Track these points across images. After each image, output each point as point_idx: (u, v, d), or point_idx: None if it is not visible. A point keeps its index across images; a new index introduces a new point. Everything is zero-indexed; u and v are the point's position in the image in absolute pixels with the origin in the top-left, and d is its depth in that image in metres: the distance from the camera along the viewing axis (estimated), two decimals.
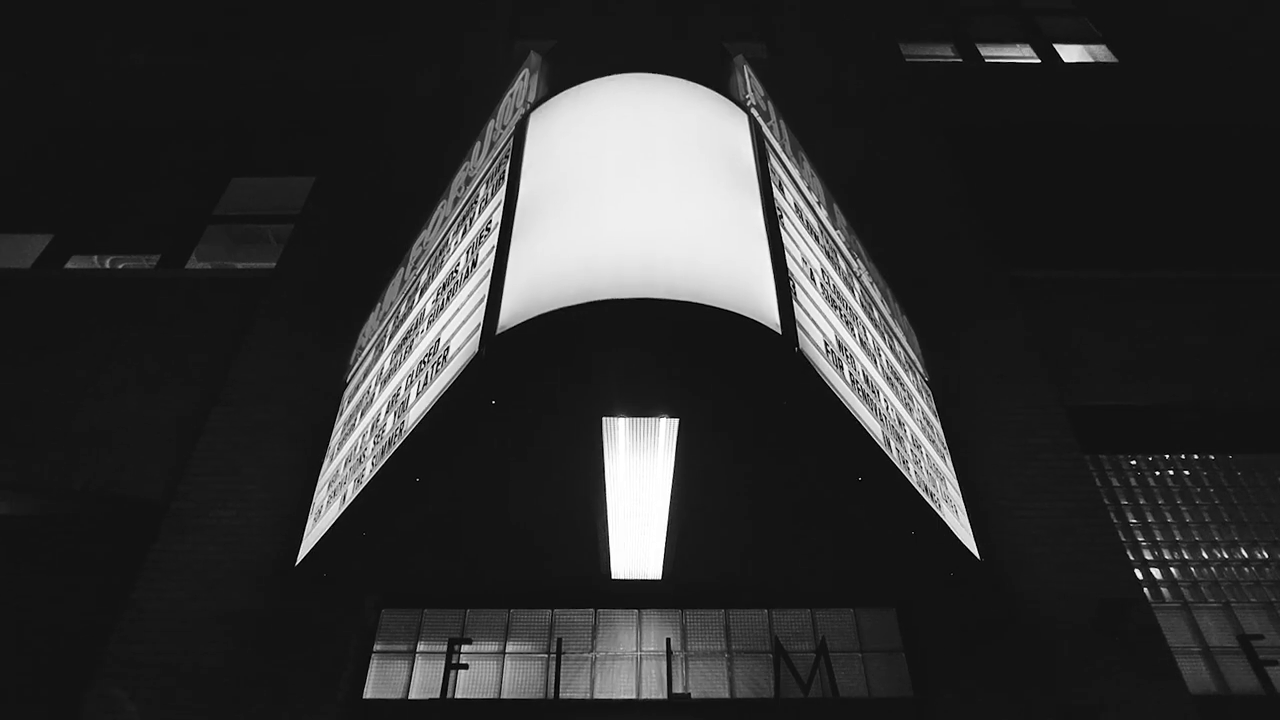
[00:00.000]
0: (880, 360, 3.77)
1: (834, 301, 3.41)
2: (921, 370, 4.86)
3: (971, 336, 5.48)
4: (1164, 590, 4.70)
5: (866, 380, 3.33)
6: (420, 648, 4.35)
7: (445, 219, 4.23)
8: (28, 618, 4.39)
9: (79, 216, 6.72)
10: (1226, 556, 4.85)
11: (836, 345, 3.11)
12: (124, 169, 7.17)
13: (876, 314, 4.23)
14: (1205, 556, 4.85)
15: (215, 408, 4.99)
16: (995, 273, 5.92)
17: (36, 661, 4.22)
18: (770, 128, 3.98)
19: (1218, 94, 7.75)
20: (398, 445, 3.00)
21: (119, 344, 5.47)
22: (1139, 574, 4.69)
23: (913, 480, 3.30)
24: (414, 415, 2.96)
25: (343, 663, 4.02)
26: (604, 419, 2.87)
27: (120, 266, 7.04)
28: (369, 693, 4.18)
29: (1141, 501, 5.09)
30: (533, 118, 3.54)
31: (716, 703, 4.13)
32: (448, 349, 2.90)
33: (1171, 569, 4.79)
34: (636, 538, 3.68)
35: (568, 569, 4.12)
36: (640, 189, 2.90)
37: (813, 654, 4.29)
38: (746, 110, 3.69)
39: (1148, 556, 4.84)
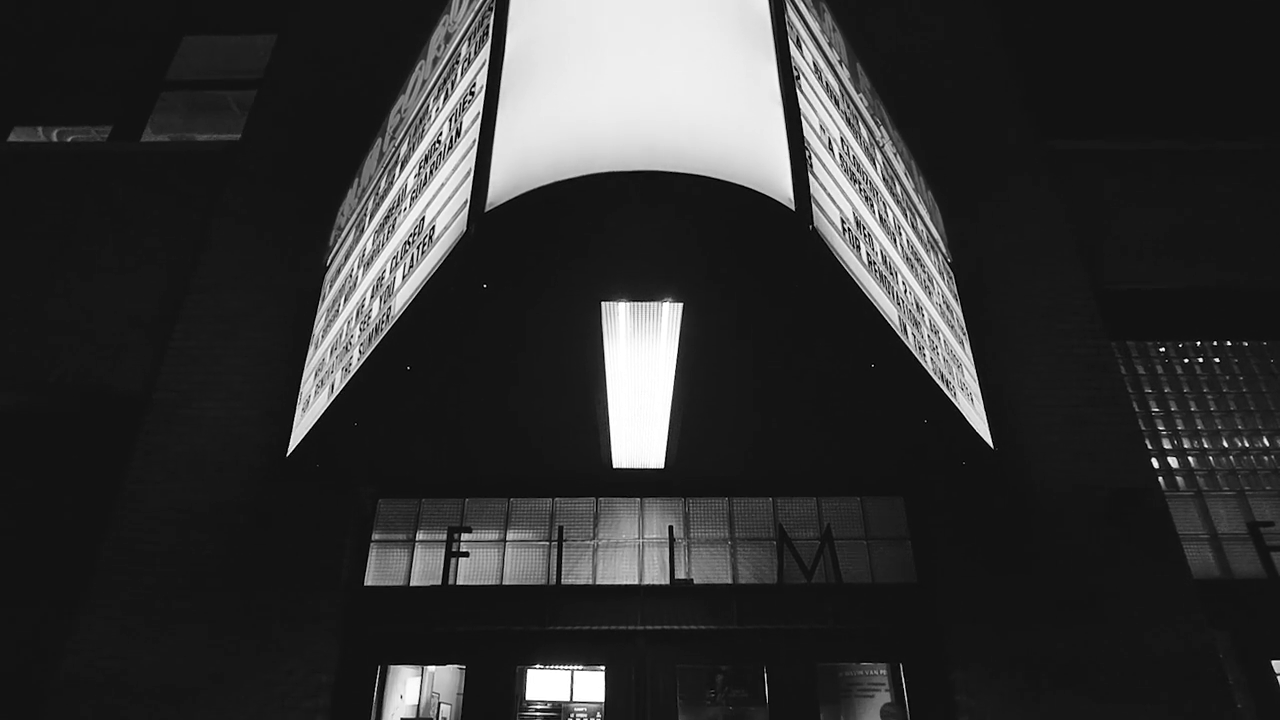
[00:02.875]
0: (900, 240, 3.71)
1: (853, 175, 3.30)
2: (944, 250, 4.80)
3: (1001, 212, 5.37)
4: (1179, 479, 4.86)
5: (885, 261, 3.29)
6: (419, 536, 4.57)
7: (424, 82, 4.03)
8: (19, 514, 4.56)
9: (17, 82, 6.42)
10: (1247, 445, 4.98)
11: (854, 223, 3.05)
12: (62, 28, 6.77)
13: (899, 188, 4.12)
14: (1225, 445, 4.98)
15: (188, 294, 4.97)
16: (1029, 142, 5.72)
17: (34, 556, 4.43)
18: None
19: None
20: (385, 332, 3.00)
21: (77, 226, 5.38)
22: (1155, 463, 4.83)
23: (928, 367, 3.33)
24: (400, 300, 2.95)
25: (341, 552, 4.23)
26: (603, 303, 2.85)
27: (69, 140, 6.80)
28: (370, 580, 4.42)
29: (1166, 390, 5.17)
30: None
31: (718, 588, 4.37)
32: (433, 228, 2.85)
33: (1189, 458, 4.94)
34: (638, 427, 3.76)
35: (568, 458, 4.24)
36: (642, 46, 2.74)
37: (817, 541, 4.50)
38: None
39: (1166, 445, 4.97)
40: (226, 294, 4.98)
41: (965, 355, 4.25)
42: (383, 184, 3.96)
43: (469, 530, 4.54)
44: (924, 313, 3.65)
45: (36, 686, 3.97)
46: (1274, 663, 4.26)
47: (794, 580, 4.39)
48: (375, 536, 4.55)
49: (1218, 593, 4.39)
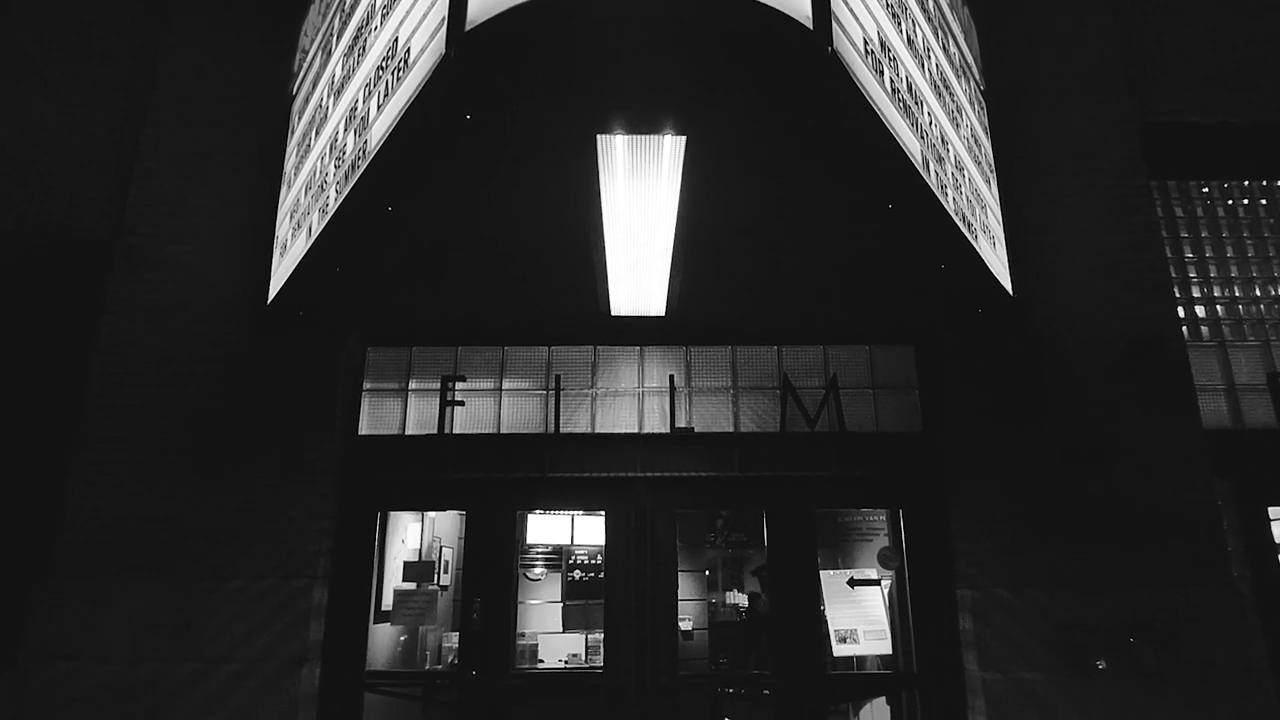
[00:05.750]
0: (929, 64, 3.54)
1: None
2: (977, 77, 4.58)
3: (1042, 31, 5.07)
4: (1203, 329, 4.93)
5: (910, 89, 3.16)
6: (412, 385, 4.71)
7: None
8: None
9: None
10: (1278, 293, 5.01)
11: (878, 45, 2.90)
12: None
13: (931, 3, 3.87)
14: (1258, 293, 5.01)
15: (145, 128, 4.81)
16: None
17: (23, 409, 4.57)
18: None
19: None
20: (362, 169, 2.94)
21: (11, 50, 5.10)
22: (1181, 311, 4.87)
23: (949, 208, 3.29)
24: (377, 134, 2.86)
25: (332, 401, 4.38)
26: (599, 137, 2.77)
27: None
28: (364, 429, 4.60)
29: (1204, 234, 5.12)
30: None
31: (720, 436, 4.57)
32: (408, 51, 2.71)
33: (1218, 306, 4.98)
34: (638, 271, 3.77)
35: (564, 304, 4.29)
36: None
37: (822, 390, 4.64)
38: None
39: (1196, 293, 5.00)
40: (187, 127, 4.82)
41: (991, 195, 4.18)
42: None
43: (463, 379, 4.68)
44: (949, 147, 3.55)
45: (47, 535, 4.23)
46: (1270, 509, 4.54)
47: (796, 428, 4.57)
48: (366, 385, 4.69)
49: (1226, 442, 4.58)
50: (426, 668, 5.56)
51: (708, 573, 6.86)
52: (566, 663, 5.75)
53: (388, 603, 4.80)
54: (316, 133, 3.76)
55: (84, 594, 4.03)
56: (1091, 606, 4.03)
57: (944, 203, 3.23)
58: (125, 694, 3.89)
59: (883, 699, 4.96)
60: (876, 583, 4.81)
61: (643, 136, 2.78)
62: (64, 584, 4.05)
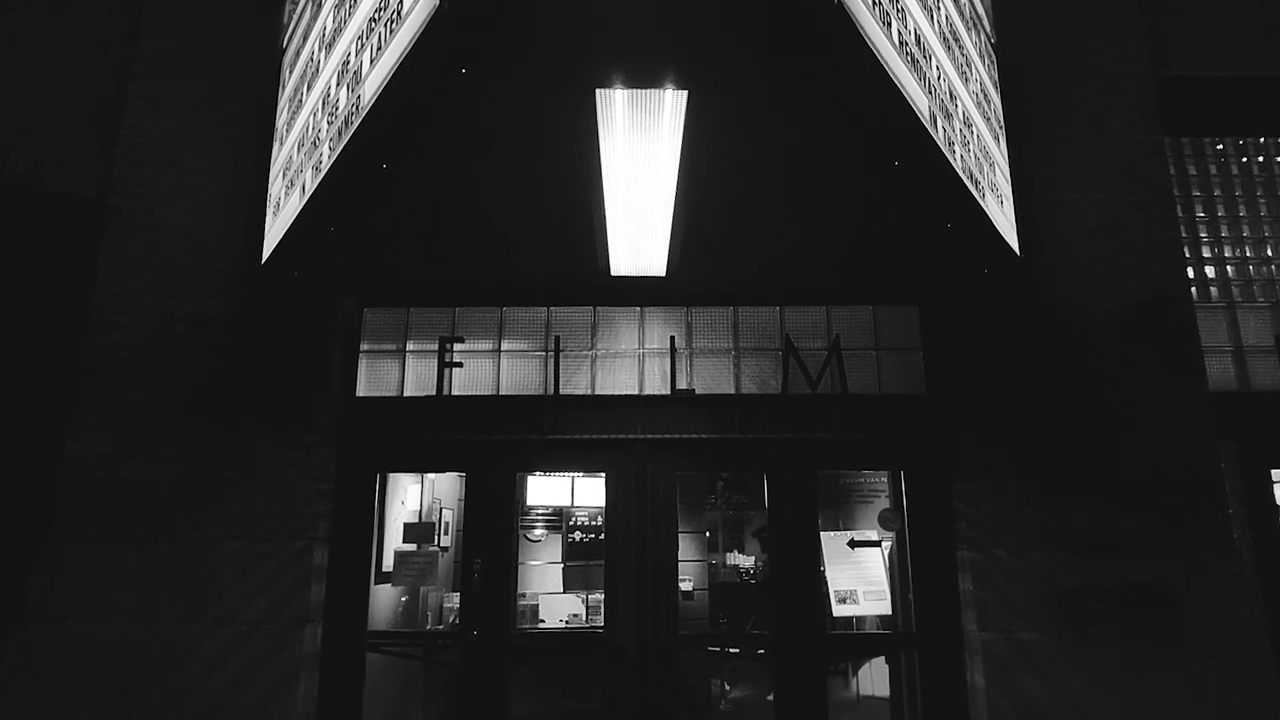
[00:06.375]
0: (939, 15, 3.47)
1: None
2: (988, 29, 4.49)
3: None
4: (1213, 290, 4.91)
5: (918, 41, 3.10)
6: (410, 347, 4.71)
7: None
8: None
9: None
10: None
11: None
12: None
13: None
14: (1269, 254, 4.97)
15: (131, 84, 4.74)
16: None
17: (12, 378, 4.57)
18: None
19: None
20: (355, 126, 2.90)
21: None
22: (1191, 272, 4.85)
23: (957, 166, 3.25)
24: (370, 88, 2.82)
25: (329, 362, 4.38)
26: (598, 91, 2.73)
27: None
28: (362, 391, 4.62)
29: (1217, 192, 5.07)
30: None
31: (721, 398, 4.58)
32: (401, 2, 2.66)
33: (1228, 267, 4.95)
34: (638, 230, 3.74)
35: (564, 264, 4.26)
36: None
37: (824, 351, 4.64)
38: None
39: (1206, 254, 4.97)
40: (175, 83, 4.74)
41: (999, 152, 4.13)
42: None
43: (461, 340, 4.67)
44: (958, 103, 3.50)
45: (47, 497, 4.27)
46: (1274, 471, 4.56)
47: (798, 390, 4.58)
48: (364, 347, 4.69)
49: (1231, 404, 4.59)
50: (428, 628, 5.66)
51: (708, 534, 6.95)
52: (567, 623, 5.85)
53: (388, 564, 4.86)
54: (308, 88, 3.70)
55: (84, 555, 4.08)
56: (1091, 568, 4.08)
57: (951, 160, 3.19)
58: (128, 654, 3.97)
59: (882, 659, 5.06)
60: (877, 544, 4.87)
61: (643, 91, 2.73)
62: (64, 545, 4.09)
